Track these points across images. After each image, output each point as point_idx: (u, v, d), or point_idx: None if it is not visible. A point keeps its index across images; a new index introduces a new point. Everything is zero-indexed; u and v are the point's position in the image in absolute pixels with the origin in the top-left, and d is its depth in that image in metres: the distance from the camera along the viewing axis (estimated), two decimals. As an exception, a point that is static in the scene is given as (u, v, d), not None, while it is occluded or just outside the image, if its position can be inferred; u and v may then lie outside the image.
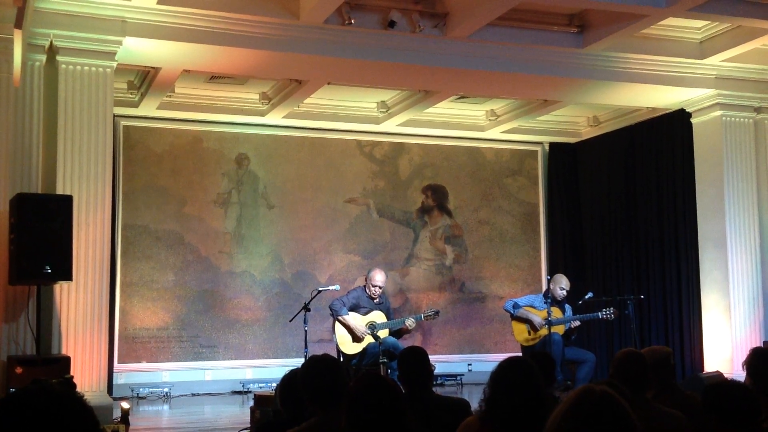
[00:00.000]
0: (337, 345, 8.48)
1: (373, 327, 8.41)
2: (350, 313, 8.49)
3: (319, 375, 3.46)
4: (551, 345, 8.47)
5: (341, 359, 8.36)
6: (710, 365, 9.52)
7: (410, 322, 8.61)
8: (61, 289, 7.33)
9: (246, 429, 6.31)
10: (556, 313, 8.85)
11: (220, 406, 9.49)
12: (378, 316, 8.55)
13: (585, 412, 1.91)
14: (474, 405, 3.42)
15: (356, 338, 8.40)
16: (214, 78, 9.76)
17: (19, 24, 6.40)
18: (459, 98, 10.77)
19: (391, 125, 11.25)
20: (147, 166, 10.48)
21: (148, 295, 10.33)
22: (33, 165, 7.40)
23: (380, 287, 8.60)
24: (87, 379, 7.29)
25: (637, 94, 9.88)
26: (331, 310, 8.50)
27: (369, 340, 8.36)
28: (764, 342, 9.25)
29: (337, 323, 8.46)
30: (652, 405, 3.68)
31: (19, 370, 6.65)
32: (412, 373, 4.07)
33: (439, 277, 11.77)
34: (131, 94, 9.97)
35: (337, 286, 8.90)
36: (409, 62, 8.58)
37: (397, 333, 8.68)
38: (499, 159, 12.20)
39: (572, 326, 8.82)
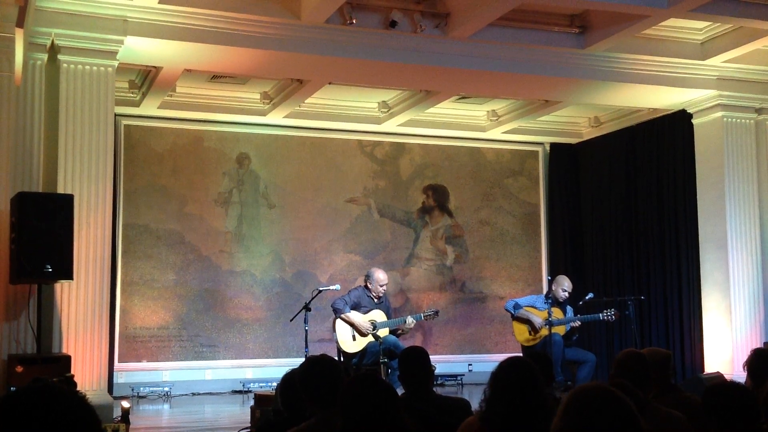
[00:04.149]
0: (337, 344, 8.47)
1: (374, 326, 8.42)
2: (352, 311, 8.50)
3: (317, 375, 3.46)
4: (552, 345, 8.47)
5: (341, 359, 8.36)
6: (711, 366, 9.52)
7: (410, 321, 8.60)
8: (61, 288, 7.33)
9: (246, 428, 6.31)
10: (557, 313, 8.85)
11: (220, 405, 9.49)
12: (378, 315, 8.56)
13: (584, 410, 1.91)
14: (474, 405, 3.42)
15: (361, 334, 8.40)
16: (216, 77, 9.76)
17: (20, 23, 6.41)
18: (460, 98, 10.77)
19: (392, 125, 11.26)
20: (148, 165, 10.49)
21: (149, 294, 10.34)
22: (34, 164, 7.41)
23: (385, 286, 8.66)
24: (87, 378, 7.29)
25: (638, 94, 9.88)
26: (333, 308, 8.50)
27: (370, 339, 8.36)
28: (765, 343, 9.24)
29: (337, 322, 8.46)
30: (653, 405, 3.68)
31: (19, 368, 6.65)
32: (413, 372, 4.07)
33: (439, 277, 11.77)
34: (132, 93, 9.98)
35: (337, 286, 8.91)
36: (411, 62, 8.58)
37: (394, 333, 8.68)
38: (500, 159, 12.20)
39: (573, 326, 8.83)
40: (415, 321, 8.68)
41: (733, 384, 3.39)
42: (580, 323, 8.87)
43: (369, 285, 8.65)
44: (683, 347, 10.20)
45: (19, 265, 6.68)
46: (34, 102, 7.45)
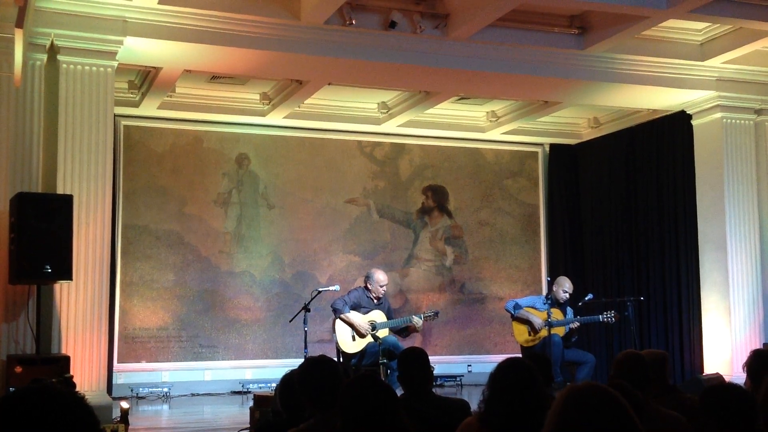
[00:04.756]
0: (337, 344, 8.47)
1: (373, 326, 8.41)
2: (351, 311, 8.49)
3: (316, 376, 3.47)
4: (551, 346, 8.47)
5: (341, 359, 8.36)
6: (710, 367, 9.52)
7: (417, 321, 8.60)
8: (61, 288, 7.33)
9: (245, 429, 6.31)
10: (557, 314, 8.85)
11: (219, 406, 9.49)
12: (378, 316, 8.56)
13: (580, 409, 1.90)
14: (474, 406, 3.42)
15: (359, 335, 8.40)
16: (215, 78, 9.76)
17: (20, 23, 6.41)
18: (459, 99, 10.78)
19: (391, 126, 11.25)
20: (147, 165, 10.49)
21: (148, 294, 10.33)
22: (33, 164, 7.40)
23: (385, 286, 8.67)
24: (86, 379, 7.29)
25: (637, 95, 9.88)
26: (333, 308, 8.50)
27: (369, 339, 8.36)
28: (764, 344, 9.24)
29: (337, 323, 8.46)
30: (653, 407, 3.68)
31: (18, 369, 6.65)
32: (412, 373, 4.07)
33: (439, 278, 11.77)
34: (132, 93, 9.97)
35: (337, 287, 8.90)
36: (410, 63, 8.58)
37: (403, 332, 8.68)
38: (499, 160, 12.20)
39: (572, 328, 8.83)
40: (421, 320, 8.68)
41: (731, 385, 3.39)
42: (579, 324, 8.87)
43: (369, 286, 8.65)
44: (682, 348, 10.20)
45: (19, 265, 6.68)
46: (34, 102, 7.44)
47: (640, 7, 7.75)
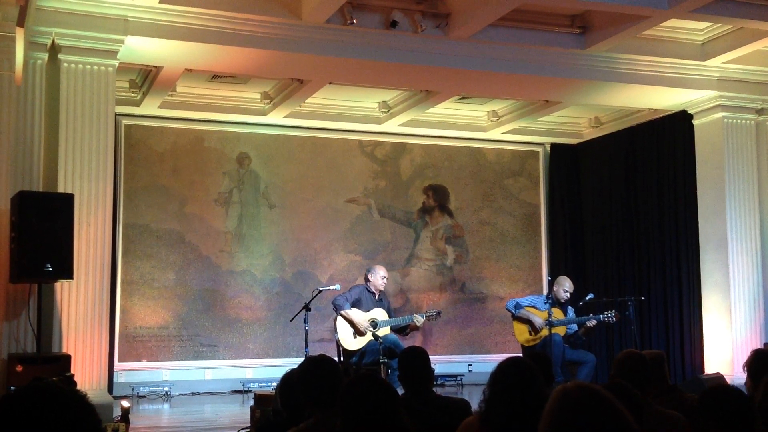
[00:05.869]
0: (337, 342, 8.47)
1: (374, 324, 8.40)
2: (352, 308, 8.49)
3: (316, 375, 3.47)
4: (552, 346, 8.47)
5: (341, 357, 8.36)
6: (711, 367, 9.52)
7: (418, 318, 8.60)
8: (62, 287, 7.33)
9: (246, 428, 6.31)
10: (558, 314, 8.84)
11: (220, 405, 9.49)
12: (380, 313, 8.56)
13: (575, 410, 1.90)
14: (474, 405, 3.42)
15: (359, 333, 8.40)
16: (216, 77, 9.76)
17: (21, 22, 6.41)
18: (460, 99, 10.77)
19: (392, 125, 11.25)
20: (148, 165, 10.49)
21: (149, 293, 10.34)
22: (34, 163, 7.41)
23: (386, 279, 8.69)
24: (87, 378, 7.30)
25: (638, 95, 9.88)
26: (334, 305, 8.50)
27: (370, 337, 8.36)
28: (765, 343, 9.24)
29: (338, 320, 8.46)
30: (653, 406, 3.68)
31: (19, 368, 6.65)
32: (413, 373, 4.07)
33: (439, 278, 11.77)
34: (133, 92, 9.98)
35: (337, 286, 8.90)
36: (411, 62, 8.58)
37: (403, 330, 8.68)
38: (500, 160, 12.20)
39: (588, 326, 8.77)
40: (423, 319, 8.68)
41: (730, 387, 3.40)
42: (596, 322, 8.77)
43: (370, 278, 8.65)
44: (683, 348, 10.20)
45: (20, 264, 6.68)
46: (35, 101, 7.45)
47: (641, 7, 7.75)
